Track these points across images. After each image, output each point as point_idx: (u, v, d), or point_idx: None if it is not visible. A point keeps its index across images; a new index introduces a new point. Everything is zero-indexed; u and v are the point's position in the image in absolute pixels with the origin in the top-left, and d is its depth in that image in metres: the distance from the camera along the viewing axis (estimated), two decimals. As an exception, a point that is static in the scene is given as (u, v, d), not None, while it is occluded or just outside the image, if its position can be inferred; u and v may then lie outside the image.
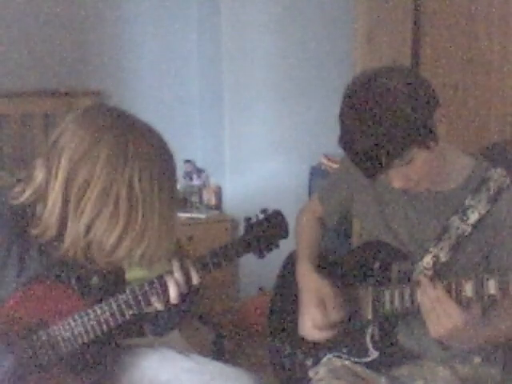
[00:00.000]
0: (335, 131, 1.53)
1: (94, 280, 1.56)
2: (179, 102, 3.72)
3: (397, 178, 1.49)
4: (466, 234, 1.56)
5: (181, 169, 3.42)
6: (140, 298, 1.51)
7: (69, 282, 1.52)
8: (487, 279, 1.39)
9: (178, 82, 3.70)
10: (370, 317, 1.65)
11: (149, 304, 1.52)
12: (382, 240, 1.69)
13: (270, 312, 1.94)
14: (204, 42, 3.64)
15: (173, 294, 1.50)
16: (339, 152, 1.57)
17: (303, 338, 1.79)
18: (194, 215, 3.47)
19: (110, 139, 1.38)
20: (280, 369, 1.86)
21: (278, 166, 3.59)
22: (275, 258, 1.84)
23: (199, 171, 3.65)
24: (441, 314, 1.42)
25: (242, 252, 1.62)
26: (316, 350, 1.77)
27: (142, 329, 1.68)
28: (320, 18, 3.55)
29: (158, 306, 1.52)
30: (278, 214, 1.66)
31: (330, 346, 1.74)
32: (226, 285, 3.43)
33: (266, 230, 1.63)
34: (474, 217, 1.55)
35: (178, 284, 1.51)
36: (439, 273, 1.56)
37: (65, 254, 1.44)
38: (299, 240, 1.87)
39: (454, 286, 1.44)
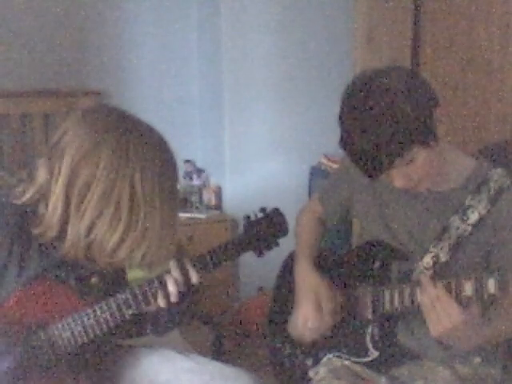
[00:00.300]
0: (335, 131, 1.53)
1: (94, 280, 1.56)
2: (179, 102, 3.71)
3: (398, 177, 1.49)
4: (466, 234, 1.56)
5: (181, 169, 3.41)
6: (140, 297, 1.51)
7: (69, 282, 1.53)
8: (487, 279, 1.39)
9: (178, 82, 3.70)
10: (369, 317, 1.65)
11: (148, 304, 1.52)
12: (382, 240, 1.69)
13: (269, 312, 1.94)
14: (204, 42, 3.64)
15: (172, 293, 1.50)
16: (339, 152, 1.57)
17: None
18: (194, 215, 3.47)
19: (111, 140, 1.38)
20: (280, 369, 1.86)
21: (278, 166, 3.59)
22: (275, 258, 1.84)
23: (199, 171, 3.65)
24: (441, 313, 1.42)
25: (242, 250, 1.61)
26: (316, 349, 1.77)
27: (142, 329, 1.67)
28: (320, 18, 3.55)
29: (160, 304, 1.52)
30: (277, 212, 1.66)
31: (330, 346, 1.74)
32: (226, 285, 3.42)
33: (266, 228, 1.63)
34: (474, 217, 1.55)
35: (177, 283, 1.51)
36: (439, 273, 1.56)
37: (65, 255, 1.44)
38: (299, 240, 1.87)
39: (453, 286, 1.44)
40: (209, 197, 3.60)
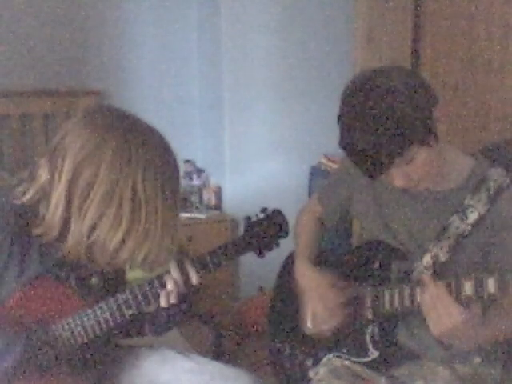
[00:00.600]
0: (335, 131, 1.52)
1: (94, 280, 1.56)
2: (179, 102, 3.71)
3: (398, 177, 1.49)
4: (466, 233, 1.56)
5: (181, 169, 3.42)
6: (140, 297, 1.51)
7: (69, 282, 1.53)
8: (487, 279, 1.39)
9: (178, 82, 3.70)
10: (370, 317, 1.65)
11: (148, 304, 1.52)
12: (382, 240, 1.69)
13: (269, 312, 1.94)
14: (204, 42, 3.64)
15: (172, 293, 1.51)
16: (339, 152, 1.57)
17: (303, 338, 1.79)
18: (194, 215, 3.47)
19: (113, 141, 1.38)
20: (280, 369, 1.86)
21: (278, 166, 3.59)
22: (275, 258, 1.84)
23: (199, 171, 3.65)
24: (442, 312, 1.42)
25: (242, 251, 1.62)
26: (316, 349, 1.77)
27: (142, 329, 1.67)
28: (320, 18, 3.55)
29: (161, 303, 1.52)
30: (278, 212, 1.66)
31: (330, 346, 1.74)
32: (226, 285, 3.42)
33: (266, 228, 1.63)
34: (473, 216, 1.55)
35: (176, 284, 1.51)
36: (439, 272, 1.56)
37: (66, 255, 1.44)
38: (298, 240, 1.88)
39: (453, 286, 1.44)
40: (209, 197, 3.60)
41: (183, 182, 3.54)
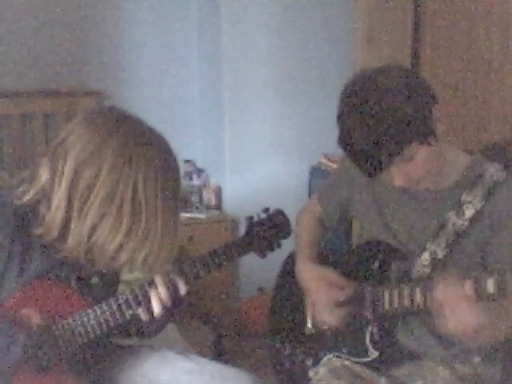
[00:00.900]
0: (335, 131, 1.53)
1: (94, 280, 1.56)
2: (179, 102, 3.71)
3: (398, 176, 1.50)
4: (463, 229, 1.56)
5: (181, 169, 3.42)
6: (140, 297, 1.51)
7: (69, 282, 1.52)
8: (486, 278, 1.39)
9: (178, 82, 3.70)
10: (369, 317, 1.65)
11: (149, 304, 1.52)
12: (382, 240, 1.69)
13: (270, 312, 1.94)
14: (204, 42, 3.64)
15: (158, 305, 1.51)
16: (339, 152, 1.57)
17: (303, 338, 1.79)
18: (194, 215, 3.47)
19: (115, 143, 1.38)
20: (280, 369, 1.86)
21: (278, 166, 3.59)
22: (275, 258, 1.84)
23: (199, 171, 3.65)
24: (465, 311, 1.39)
25: (244, 251, 1.62)
26: (316, 350, 1.77)
27: (141, 329, 1.67)
28: (320, 18, 3.55)
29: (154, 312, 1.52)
30: (280, 213, 1.66)
31: (330, 345, 1.74)
32: (226, 285, 3.42)
33: (268, 229, 1.63)
34: (470, 212, 1.55)
35: (161, 298, 1.51)
36: (437, 269, 1.55)
37: (66, 256, 1.44)
38: (299, 240, 1.87)
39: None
40: (209, 197, 3.60)
41: (183, 182, 3.54)
